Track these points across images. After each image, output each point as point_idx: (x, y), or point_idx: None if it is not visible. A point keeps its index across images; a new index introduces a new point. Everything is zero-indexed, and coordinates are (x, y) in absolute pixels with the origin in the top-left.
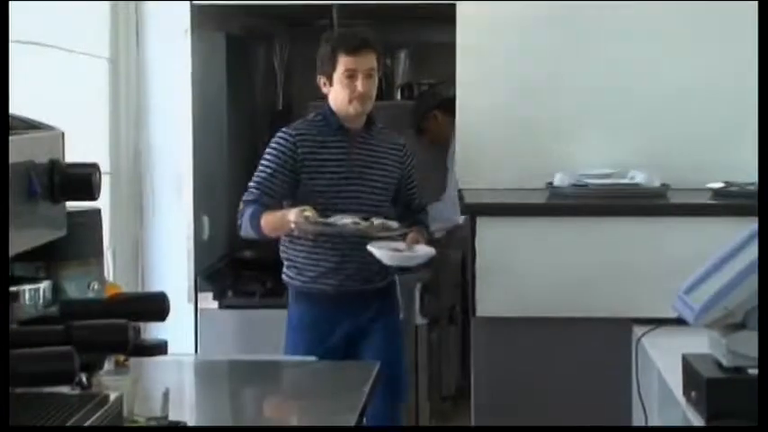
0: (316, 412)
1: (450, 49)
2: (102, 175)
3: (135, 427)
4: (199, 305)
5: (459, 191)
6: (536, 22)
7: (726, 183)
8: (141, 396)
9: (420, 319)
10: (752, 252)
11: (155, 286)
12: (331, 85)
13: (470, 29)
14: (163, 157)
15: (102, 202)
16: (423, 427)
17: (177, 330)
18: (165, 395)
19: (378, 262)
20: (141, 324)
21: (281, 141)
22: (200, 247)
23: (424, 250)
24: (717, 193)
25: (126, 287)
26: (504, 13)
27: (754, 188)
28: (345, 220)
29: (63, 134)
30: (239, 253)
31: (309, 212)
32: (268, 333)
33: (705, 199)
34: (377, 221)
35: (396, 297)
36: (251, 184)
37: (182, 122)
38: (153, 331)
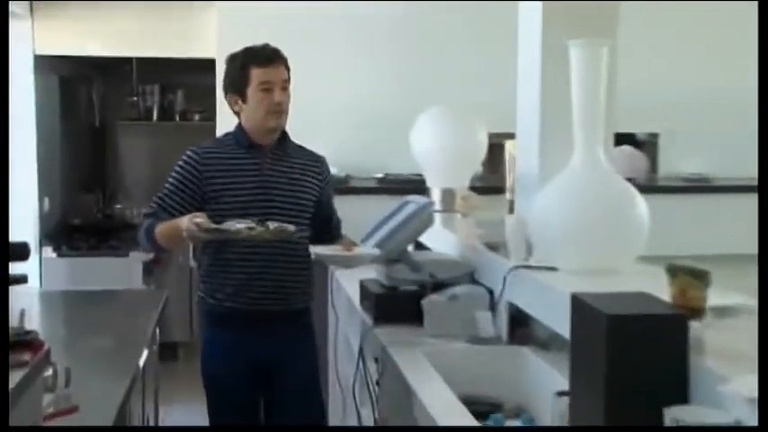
0: (121, 327)
1: (211, 89)
2: None
3: (129, 427)
4: (42, 255)
5: None
6: None
7: (385, 174)
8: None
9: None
10: (399, 217)
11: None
12: (244, 102)
13: None
14: (17, 157)
15: None
16: (414, 427)
17: (27, 273)
18: (22, 313)
19: (292, 281)
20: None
21: (186, 159)
22: (43, 216)
23: (368, 250)
24: (379, 180)
25: None
26: None
27: (403, 177)
28: (239, 226)
29: None
30: (70, 221)
31: (200, 219)
32: (90, 274)
33: (373, 184)
34: (272, 225)
35: (312, 322)
36: (153, 199)
37: (28, 135)
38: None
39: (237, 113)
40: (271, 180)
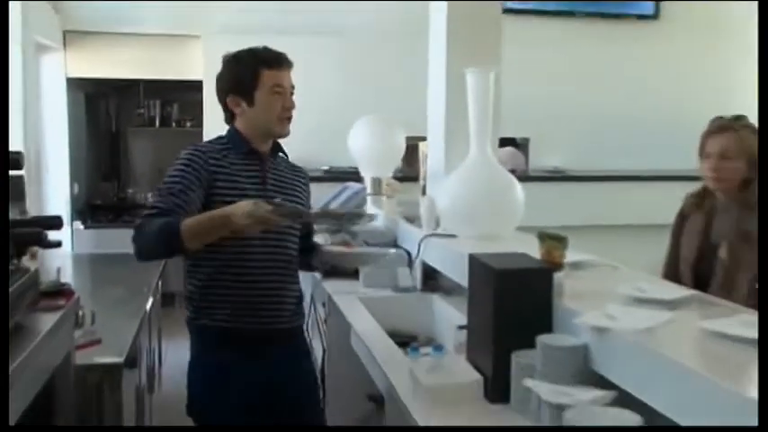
0: (133, 281)
1: (200, 103)
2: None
3: (139, 427)
4: (73, 227)
5: None
6: None
7: (330, 166)
8: (44, 270)
9: None
10: (340, 198)
11: None
12: (250, 104)
13: (210, 94)
14: (53, 152)
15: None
16: (412, 427)
17: (61, 239)
18: (58, 270)
19: (289, 297)
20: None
21: (192, 156)
22: (73, 198)
23: (375, 250)
24: (324, 171)
25: None
26: None
27: (343, 169)
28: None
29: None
30: (94, 201)
31: (278, 199)
32: (109, 241)
33: (320, 174)
34: (317, 209)
35: (306, 339)
36: (157, 199)
37: (62, 138)
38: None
39: (232, 117)
40: (272, 189)
